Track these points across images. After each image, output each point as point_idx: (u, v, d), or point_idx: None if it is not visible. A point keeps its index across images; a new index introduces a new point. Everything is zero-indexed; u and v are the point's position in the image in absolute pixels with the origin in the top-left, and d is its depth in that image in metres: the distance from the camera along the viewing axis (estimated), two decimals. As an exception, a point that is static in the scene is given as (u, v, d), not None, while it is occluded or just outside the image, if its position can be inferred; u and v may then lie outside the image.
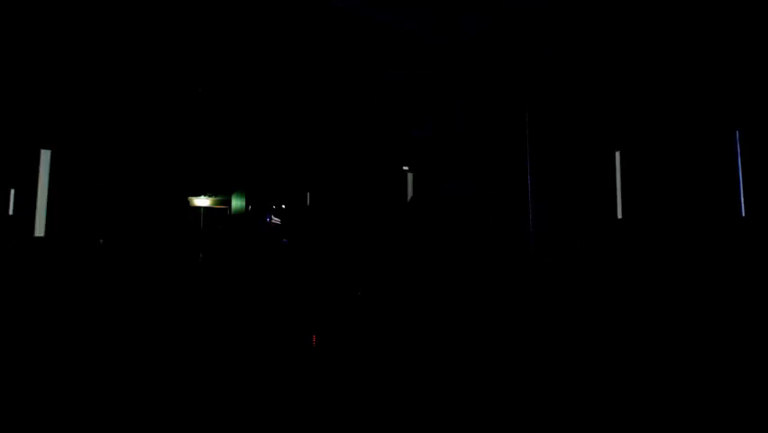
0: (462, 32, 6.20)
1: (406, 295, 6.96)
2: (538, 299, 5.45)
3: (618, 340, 4.58)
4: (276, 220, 10.41)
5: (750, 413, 3.27)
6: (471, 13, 5.73)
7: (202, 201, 10.25)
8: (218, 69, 7.21)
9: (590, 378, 3.90)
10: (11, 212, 6.02)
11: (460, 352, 4.59)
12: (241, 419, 3.26)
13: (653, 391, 3.64)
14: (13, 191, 6.28)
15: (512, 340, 4.90)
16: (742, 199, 4.11)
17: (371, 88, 7.85)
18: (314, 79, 7.57)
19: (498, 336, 5.11)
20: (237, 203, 10.51)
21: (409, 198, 9.82)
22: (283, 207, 11.01)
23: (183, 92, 7.83)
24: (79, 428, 3.13)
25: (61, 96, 7.33)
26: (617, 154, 5.33)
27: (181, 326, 5.58)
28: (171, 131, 8.84)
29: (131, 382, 3.84)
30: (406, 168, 8.04)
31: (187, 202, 9.89)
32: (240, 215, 10.47)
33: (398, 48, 6.58)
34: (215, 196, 10.38)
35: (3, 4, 5.42)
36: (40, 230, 6.92)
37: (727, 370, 3.72)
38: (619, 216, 5.29)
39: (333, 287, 7.74)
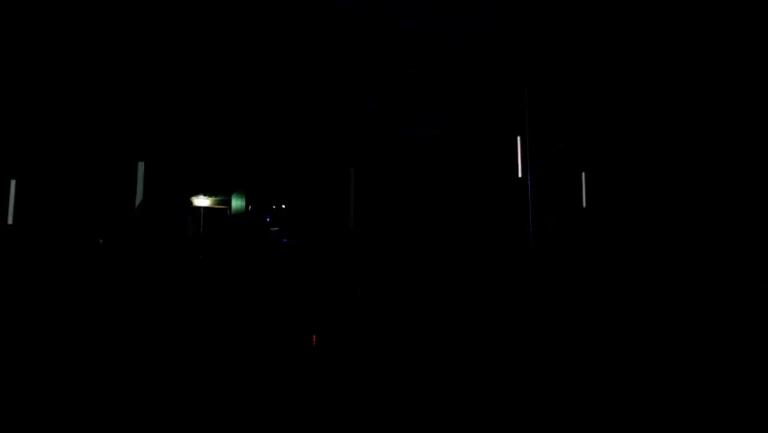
0: (464, 32, 6.20)
1: (405, 294, 6.95)
2: (538, 300, 5.44)
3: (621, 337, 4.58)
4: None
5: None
6: (471, 14, 5.72)
7: (202, 201, 10.24)
8: (218, 70, 7.20)
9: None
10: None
11: (461, 349, 4.59)
12: (240, 418, 3.25)
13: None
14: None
15: (514, 337, 4.90)
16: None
17: (370, 89, 7.84)
18: (312, 79, 7.56)
19: (500, 332, 5.11)
20: (237, 203, 10.50)
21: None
22: (283, 207, 11.00)
23: (183, 93, 7.83)
24: (79, 428, 3.13)
25: (64, 97, 7.32)
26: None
27: (181, 325, 5.58)
28: (171, 131, 8.83)
29: (130, 383, 3.84)
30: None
31: (190, 202, 9.89)
32: (240, 215, 10.46)
33: (399, 47, 6.57)
34: (215, 196, 10.37)
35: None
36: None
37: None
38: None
39: (333, 287, 7.72)
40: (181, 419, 3.25)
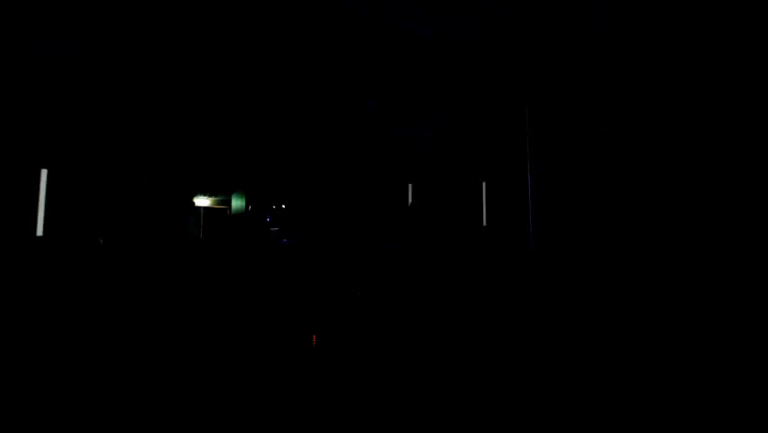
0: (464, 32, 6.20)
1: (405, 294, 6.96)
2: (538, 302, 5.44)
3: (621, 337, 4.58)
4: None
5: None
6: (471, 14, 5.73)
7: (202, 201, 10.25)
8: (218, 70, 7.20)
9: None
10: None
11: (460, 350, 4.60)
12: (241, 418, 3.26)
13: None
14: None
15: (514, 337, 4.90)
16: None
17: (370, 88, 7.84)
18: (311, 79, 7.56)
19: (500, 332, 5.11)
20: (237, 203, 10.52)
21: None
22: (283, 207, 11.01)
23: (183, 93, 7.83)
24: (78, 428, 3.13)
25: (65, 99, 7.33)
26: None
27: (181, 325, 5.58)
28: (171, 132, 8.84)
29: (131, 382, 3.84)
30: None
31: (191, 203, 9.89)
32: (240, 215, 10.47)
33: (399, 47, 6.58)
34: (215, 196, 10.38)
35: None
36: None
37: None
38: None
39: (333, 287, 7.73)
40: (181, 418, 3.25)
